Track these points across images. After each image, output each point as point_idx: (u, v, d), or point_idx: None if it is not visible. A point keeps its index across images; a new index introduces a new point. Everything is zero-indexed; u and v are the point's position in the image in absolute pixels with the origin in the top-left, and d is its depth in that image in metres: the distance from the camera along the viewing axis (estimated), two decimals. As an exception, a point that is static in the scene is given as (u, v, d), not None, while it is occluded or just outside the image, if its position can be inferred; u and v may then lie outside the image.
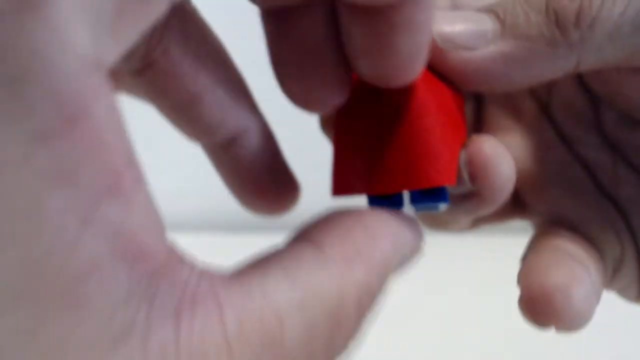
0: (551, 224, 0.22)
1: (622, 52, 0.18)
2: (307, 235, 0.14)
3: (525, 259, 0.21)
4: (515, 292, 0.19)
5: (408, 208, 0.18)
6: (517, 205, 0.23)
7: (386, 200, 0.18)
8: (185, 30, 0.17)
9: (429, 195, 0.18)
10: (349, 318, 0.13)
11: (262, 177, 0.19)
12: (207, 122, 0.18)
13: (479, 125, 0.23)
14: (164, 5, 0.10)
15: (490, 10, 0.18)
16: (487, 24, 0.18)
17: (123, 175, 0.09)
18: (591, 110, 0.22)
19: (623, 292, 0.22)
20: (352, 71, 0.17)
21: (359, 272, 0.13)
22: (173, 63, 0.17)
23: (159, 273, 0.10)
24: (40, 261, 0.08)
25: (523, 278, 0.19)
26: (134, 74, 0.17)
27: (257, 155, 0.19)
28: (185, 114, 0.18)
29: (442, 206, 0.18)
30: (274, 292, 0.12)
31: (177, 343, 0.10)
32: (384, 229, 0.15)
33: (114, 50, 0.09)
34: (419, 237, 0.16)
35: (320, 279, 0.13)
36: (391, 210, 0.16)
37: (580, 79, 0.22)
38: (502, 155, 0.18)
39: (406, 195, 0.18)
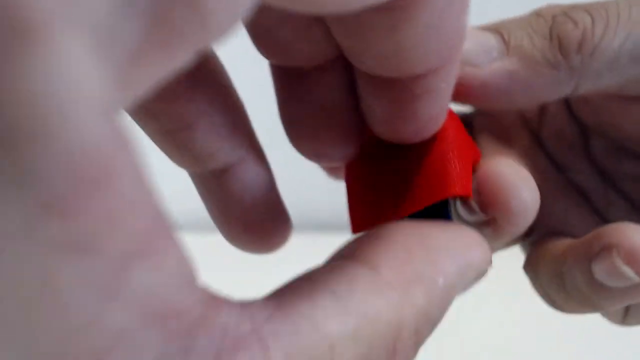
0: (553, 235, 0.22)
1: (617, 81, 0.19)
2: (358, 255, 0.13)
3: (535, 265, 0.21)
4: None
5: None
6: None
7: None
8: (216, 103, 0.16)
9: (429, 215, 0.17)
10: (404, 348, 0.12)
11: (251, 214, 0.18)
12: (197, 151, 0.16)
13: None
14: (187, 56, 0.08)
15: (494, 30, 0.19)
16: (492, 41, 0.19)
17: (152, 234, 0.08)
18: (581, 140, 0.23)
19: (609, 315, 0.22)
20: (365, 127, 0.17)
21: (419, 299, 0.12)
22: (167, 86, 0.16)
23: (194, 326, 0.09)
24: (57, 344, 0.07)
25: (616, 237, 0.18)
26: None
27: (248, 190, 0.17)
28: (174, 140, 0.16)
29: None
30: (324, 322, 0.11)
31: None
32: (449, 251, 0.13)
33: (124, 98, 0.08)
34: (487, 258, 0.14)
35: (377, 306, 0.11)
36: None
37: (569, 109, 0.23)
38: (519, 177, 0.17)
39: None
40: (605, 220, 0.23)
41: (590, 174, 0.23)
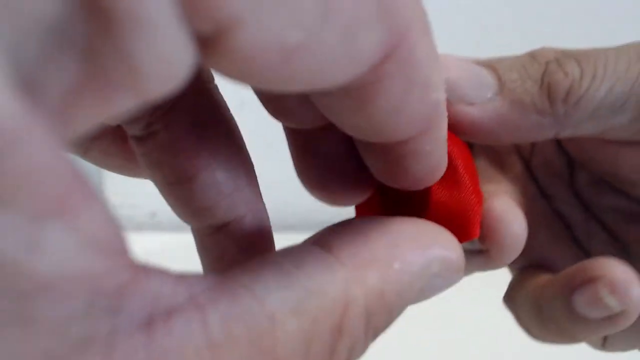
0: (532, 267, 0.24)
1: (596, 129, 0.20)
2: (317, 239, 0.13)
3: (514, 298, 0.23)
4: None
5: None
6: None
7: None
8: (196, 108, 0.17)
9: None
10: (354, 328, 0.12)
11: None
12: (195, 205, 0.17)
13: None
14: (127, 104, 0.09)
15: (490, 67, 0.20)
16: (488, 79, 0.19)
17: (66, 198, 0.08)
18: (567, 171, 0.24)
19: (590, 342, 0.23)
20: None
21: (372, 278, 0.12)
22: (173, 138, 0.16)
23: (122, 289, 0.09)
24: None
25: (601, 270, 0.20)
26: (135, 140, 0.17)
27: (243, 248, 0.17)
28: (175, 192, 0.17)
29: None
30: (265, 292, 0.11)
31: (148, 350, 0.09)
32: (411, 239, 0.13)
33: (67, 128, 0.09)
34: (457, 255, 0.14)
35: (322, 281, 0.12)
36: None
37: (558, 142, 0.24)
38: (513, 214, 0.19)
39: None
40: (585, 250, 0.24)
41: (575, 205, 0.24)
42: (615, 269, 0.19)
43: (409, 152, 0.14)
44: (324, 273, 0.12)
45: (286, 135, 0.17)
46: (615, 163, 0.22)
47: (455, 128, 0.19)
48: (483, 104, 0.19)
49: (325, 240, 0.13)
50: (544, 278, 0.22)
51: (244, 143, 0.18)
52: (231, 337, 0.10)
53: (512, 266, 0.25)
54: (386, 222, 0.14)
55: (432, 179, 0.16)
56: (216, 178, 0.17)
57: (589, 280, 0.19)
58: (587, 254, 0.24)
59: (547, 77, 0.19)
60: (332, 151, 0.17)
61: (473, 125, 0.19)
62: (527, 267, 0.24)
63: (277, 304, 0.11)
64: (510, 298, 0.24)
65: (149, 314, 0.09)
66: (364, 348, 0.12)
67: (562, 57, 0.19)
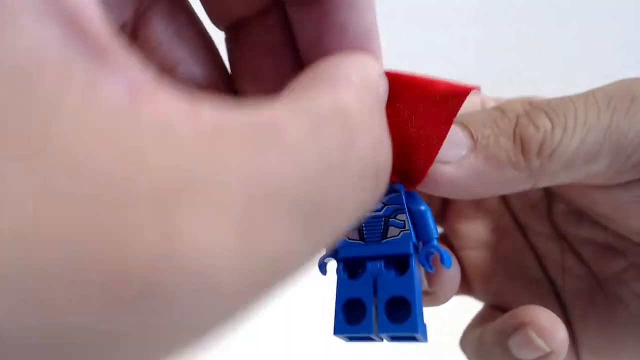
0: (495, 309, 0.26)
1: (573, 178, 0.20)
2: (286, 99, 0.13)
3: (464, 345, 0.25)
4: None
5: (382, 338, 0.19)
6: (466, 288, 0.27)
7: (355, 327, 0.19)
8: (171, 9, 0.18)
9: (400, 325, 0.18)
10: (362, 123, 0.12)
11: None
12: None
13: (444, 212, 0.27)
14: None
15: (464, 126, 0.20)
16: (461, 138, 0.20)
17: None
18: (544, 202, 0.25)
19: None
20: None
21: (349, 89, 0.13)
22: (153, 34, 0.18)
23: (103, 55, 0.08)
24: None
25: (529, 317, 0.22)
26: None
27: None
28: None
29: (420, 337, 0.19)
30: (263, 102, 0.11)
31: (132, 106, 0.08)
32: (349, 66, 0.14)
33: None
34: (380, 70, 0.16)
35: (311, 93, 0.12)
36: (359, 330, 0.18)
37: None
38: (453, 267, 0.21)
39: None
40: (554, 287, 0.25)
41: (551, 237, 0.25)
42: (541, 315, 0.22)
43: (342, 2, 0.16)
44: (308, 91, 0.12)
45: (225, 41, 0.19)
46: (592, 201, 0.23)
47: (433, 186, 0.20)
48: (458, 161, 0.19)
49: (294, 96, 0.13)
50: (485, 327, 0.24)
51: (220, 55, 0.19)
52: (226, 126, 0.09)
53: (484, 302, 0.27)
54: (317, 68, 0.14)
55: (361, 45, 0.16)
56: (193, 71, 0.18)
57: (521, 325, 0.22)
58: (558, 292, 0.25)
59: (519, 132, 0.20)
60: (266, 40, 0.18)
61: (451, 183, 0.19)
62: (490, 307, 0.26)
63: (276, 110, 0.11)
64: (462, 343, 0.26)
65: (134, 83, 0.08)
66: (383, 139, 0.13)
67: (532, 111, 0.20)
